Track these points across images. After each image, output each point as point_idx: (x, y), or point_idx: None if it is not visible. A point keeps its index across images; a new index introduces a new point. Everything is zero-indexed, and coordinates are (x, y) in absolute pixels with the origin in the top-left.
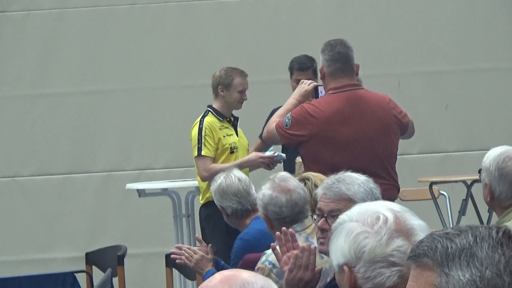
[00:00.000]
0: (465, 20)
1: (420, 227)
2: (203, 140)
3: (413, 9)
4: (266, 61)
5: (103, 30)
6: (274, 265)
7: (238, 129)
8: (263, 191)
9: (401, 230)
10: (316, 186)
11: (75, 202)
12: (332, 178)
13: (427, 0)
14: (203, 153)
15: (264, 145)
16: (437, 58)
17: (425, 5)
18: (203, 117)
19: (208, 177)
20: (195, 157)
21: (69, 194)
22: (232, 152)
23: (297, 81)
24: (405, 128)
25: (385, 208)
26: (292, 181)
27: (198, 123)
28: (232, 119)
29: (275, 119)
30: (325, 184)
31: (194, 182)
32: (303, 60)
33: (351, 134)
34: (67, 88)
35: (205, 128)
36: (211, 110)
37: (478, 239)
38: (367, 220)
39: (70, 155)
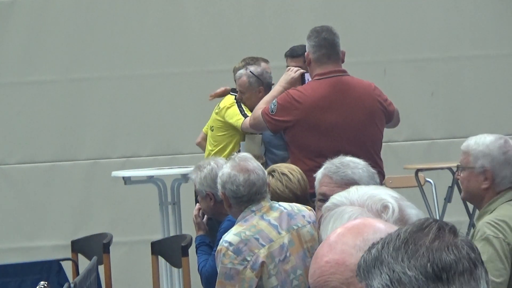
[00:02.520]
0: (451, 7)
1: (416, 216)
2: (241, 106)
3: None
4: (252, 49)
5: (89, 17)
6: (230, 243)
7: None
8: (223, 170)
9: (402, 220)
10: (283, 174)
11: (61, 190)
12: (334, 162)
13: None
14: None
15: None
16: (423, 46)
17: None
18: (232, 97)
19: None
20: (242, 122)
21: (55, 182)
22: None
23: None
24: (390, 116)
25: (389, 196)
26: (252, 162)
27: (233, 102)
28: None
29: (261, 105)
30: (327, 169)
31: (180, 170)
32: (296, 47)
33: (336, 120)
34: (53, 76)
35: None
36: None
37: (385, 243)
38: (372, 207)
39: (56, 143)
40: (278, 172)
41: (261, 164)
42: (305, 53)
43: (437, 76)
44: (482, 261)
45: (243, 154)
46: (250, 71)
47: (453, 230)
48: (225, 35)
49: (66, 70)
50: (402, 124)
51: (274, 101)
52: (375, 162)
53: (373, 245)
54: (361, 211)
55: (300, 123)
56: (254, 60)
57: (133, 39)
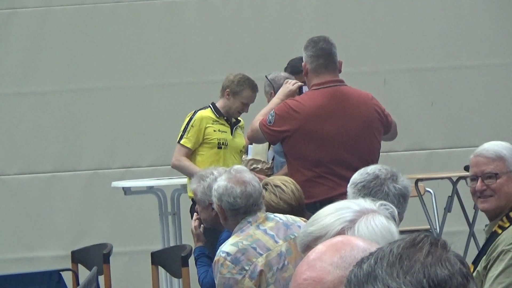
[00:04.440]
0: (450, 17)
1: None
2: (188, 129)
3: (398, 6)
4: (252, 59)
5: (88, 28)
6: (228, 253)
7: (237, 131)
8: (219, 182)
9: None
10: (276, 186)
11: (61, 200)
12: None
13: None
14: (182, 141)
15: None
16: (423, 55)
17: (410, 2)
18: (200, 109)
19: (177, 166)
20: (177, 143)
21: (55, 192)
22: (219, 148)
23: None
24: (388, 127)
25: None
26: (247, 174)
27: (192, 113)
28: (233, 119)
29: (258, 117)
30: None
31: (179, 180)
32: (296, 63)
33: (334, 129)
34: (53, 86)
35: (195, 119)
36: (211, 106)
37: (378, 259)
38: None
39: (55, 153)
40: (271, 185)
41: (267, 168)
42: (303, 64)
43: (437, 86)
44: (472, 276)
45: (239, 166)
46: (266, 76)
47: (445, 245)
48: (224, 45)
49: (65, 80)
50: (402, 134)
51: (272, 112)
52: None
53: (363, 260)
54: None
55: (298, 132)
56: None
57: (132, 49)
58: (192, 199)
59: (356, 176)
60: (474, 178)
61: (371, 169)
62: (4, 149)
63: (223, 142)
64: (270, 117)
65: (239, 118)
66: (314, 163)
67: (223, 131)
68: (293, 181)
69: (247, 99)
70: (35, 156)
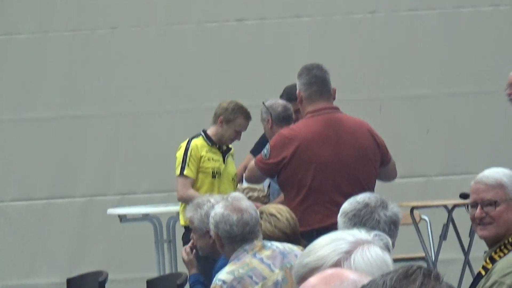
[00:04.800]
0: (446, 44)
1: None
2: (187, 160)
3: (394, 33)
4: (248, 86)
5: (85, 54)
6: (224, 282)
7: (229, 158)
8: (216, 210)
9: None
10: (271, 214)
11: (56, 227)
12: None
13: (408, 24)
14: (185, 172)
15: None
16: (418, 82)
17: (406, 29)
18: (193, 138)
19: (185, 199)
20: (177, 176)
21: (50, 219)
22: (213, 177)
23: None
24: (385, 158)
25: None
26: (244, 201)
27: (186, 143)
28: (224, 147)
29: (250, 166)
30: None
31: (175, 208)
32: (292, 90)
33: (329, 156)
34: (49, 113)
35: (192, 149)
36: (203, 134)
37: None
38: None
39: (51, 180)
40: (266, 213)
41: (264, 196)
42: (297, 91)
43: (433, 113)
44: None
45: (236, 194)
46: (263, 102)
47: (437, 277)
48: (220, 73)
49: (61, 107)
50: (398, 160)
51: (267, 145)
52: None
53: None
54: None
55: (293, 160)
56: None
57: (129, 76)
58: (185, 227)
59: (346, 206)
60: (473, 205)
61: (360, 197)
62: (0, 175)
63: (216, 171)
64: (265, 151)
65: (229, 145)
66: (310, 190)
67: (216, 160)
68: (288, 210)
69: (240, 127)
70: (31, 182)
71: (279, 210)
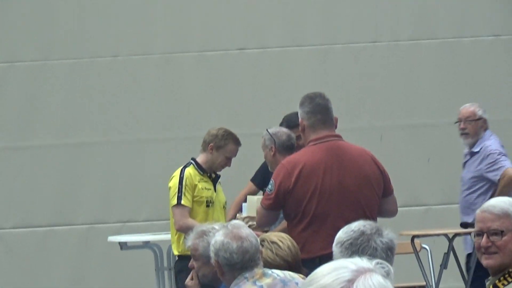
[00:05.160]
0: (446, 74)
1: None
2: (183, 189)
3: (394, 62)
4: (248, 113)
5: (85, 82)
6: None
7: (218, 186)
8: (216, 237)
9: None
10: (273, 242)
11: (57, 254)
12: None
13: (409, 53)
14: (182, 202)
15: (253, 192)
16: (419, 111)
17: (406, 58)
18: (185, 167)
19: (185, 229)
20: (173, 206)
21: (51, 246)
22: (207, 206)
23: None
24: (388, 187)
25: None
26: (244, 229)
27: (179, 172)
28: (213, 175)
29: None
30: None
31: None
32: (292, 117)
33: (333, 183)
34: (49, 140)
35: (186, 178)
36: (193, 162)
37: None
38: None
39: (52, 207)
40: (268, 241)
41: None
42: (299, 120)
43: (433, 142)
44: None
45: (236, 221)
46: (267, 129)
47: None
48: (221, 101)
49: (62, 134)
50: (398, 189)
51: (271, 180)
52: None
53: None
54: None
55: (297, 187)
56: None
57: (130, 104)
58: (178, 256)
59: (341, 235)
60: (479, 234)
61: (355, 226)
62: (0, 202)
63: (210, 200)
64: (269, 186)
65: (218, 173)
66: (313, 217)
67: (208, 189)
68: (290, 238)
69: (231, 153)
70: (31, 210)
71: (280, 238)
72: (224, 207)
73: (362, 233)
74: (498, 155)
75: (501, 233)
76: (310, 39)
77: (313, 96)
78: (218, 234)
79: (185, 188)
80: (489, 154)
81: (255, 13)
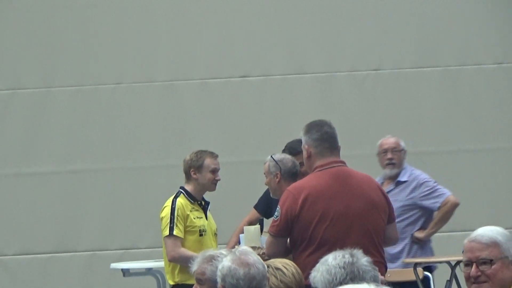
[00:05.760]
0: (449, 101)
1: None
2: (175, 220)
3: (397, 90)
4: (250, 141)
5: (88, 109)
6: None
7: (208, 213)
8: (223, 263)
9: None
10: (277, 268)
11: (59, 281)
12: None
13: (412, 81)
14: (174, 233)
15: (256, 219)
16: (421, 139)
17: (409, 86)
18: (176, 197)
19: (177, 259)
20: (165, 236)
21: (53, 273)
22: (201, 235)
23: None
24: (392, 214)
25: None
26: (252, 256)
27: (171, 203)
28: (202, 202)
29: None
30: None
31: None
32: (293, 144)
33: (341, 208)
34: (52, 167)
35: (178, 208)
36: (183, 191)
37: None
38: None
39: (54, 234)
40: (272, 267)
41: (263, 253)
42: (305, 147)
43: (435, 170)
44: None
45: (244, 248)
46: (271, 156)
47: None
48: (223, 128)
49: (64, 161)
50: None
51: (278, 207)
52: (379, 252)
53: None
54: None
55: (303, 212)
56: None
57: (132, 131)
58: (174, 286)
59: (328, 277)
60: (468, 264)
61: (333, 263)
62: (3, 229)
63: (203, 229)
64: (276, 213)
65: (207, 200)
66: (321, 243)
67: (200, 217)
68: (294, 264)
69: (213, 165)
70: (34, 236)
71: (285, 264)
72: (215, 233)
73: (345, 264)
74: (434, 183)
75: (490, 262)
76: (313, 66)
77: (321, 124)
78: (226, 260)
79: (177, 218)
80: (423, 183)
81: (258, 41)
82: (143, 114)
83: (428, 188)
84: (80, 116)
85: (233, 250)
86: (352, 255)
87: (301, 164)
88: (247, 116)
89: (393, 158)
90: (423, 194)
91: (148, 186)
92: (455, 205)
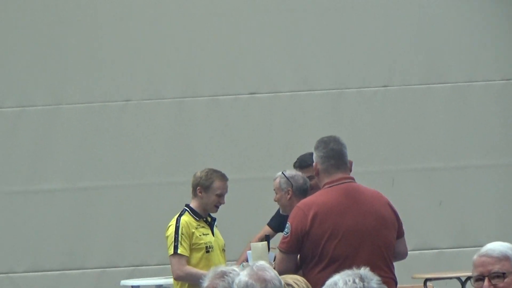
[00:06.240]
0: (458, 118)
1: None
2: (180, 238)
3: (406, 106)
4: (259, 157)
5: (97, 126)
6: None
7: (215, 229)
8: (240, 277)
9: None
10: (288, 284)
11: None
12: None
13: (420, 97)
14: (179, 251)
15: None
16: (430, 155)
17: (418, 102)
18: (180, 215)
19: (183, 278)
20: (170, 255)
21: None
22: (207, 252)
23: None
24: (401, 229)
25: None
26: (269, 272)
27: (175, 221)
28: (209, 219)
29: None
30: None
31: None
32: (305, 157)
33: (351, 225)
34: (61, 184)
35: (182, 226)
36: (187, 209)
37: None
38: None
39: (64, 251)
40: (283, 284)
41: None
42: (314, 164)
43: (445, 186)
44: None
45: (261, 263)
46: (282, 172)
47: None
48: (233, 145)
49: (74, 178)
50: (410, 233)
51: (287, 223)
52: (389, 268)
53: None
54: None
55: (313, 229)
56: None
57: (142, 148)
58: None
59: None
60: (480, 278)
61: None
62: (12, 246)
63: (209, 246)
64: (286, 230)
65: (214, 216)
66: (331, 259)
67: (206, 234)
68: (305, 281)
69: (220, 190)
70: (43, 254)
71: (295, 280)
72: (223, 249)
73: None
74: None
75: (502, 275)
76: (322, 83)
77: (327, 141)
78: (243, 274)
79: (181, 237)
80: None
81: (266, 58)
82: (153, 131)
83: None
84: (89, 133)
85: (250, 265)
86: (362, 279)
87: (311, 177)
88: (256, 133)
89: None
90: None
91: (157, 202)
92: None
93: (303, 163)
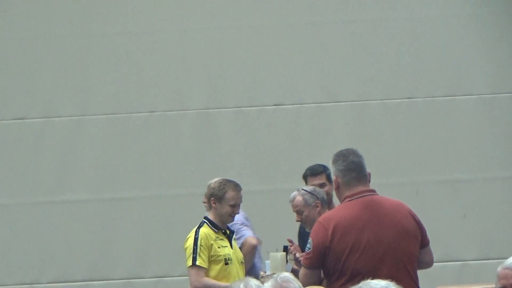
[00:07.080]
0: (483, 129)
1: None
2: (198, 250)
3: (430, 118)
4: (285, 169)
5: (122, 137)
6: None
7: (233, 242)
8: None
9: None
10: None
11: None
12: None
13: (445, 109)
14: (197, 263)
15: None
16: (455, 167)
17: (442, 114)
18: (199, 227)
19: None
20: (189, 266)
21: None
22: (226, 264)
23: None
24: (425, 239)
25: None
26: (293, 283)
27: (194, 233)
28: (228, 231)
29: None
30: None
31: None
32: (315, 166)
33: (372, 239)
34: (86, 195)
35: (201, 238)
36: (206, 221)
37: None
38: None
39: (88, 262)
40: None
41: None
42: (333, 178)
43: (470, 198)
44: None
45: (285, 274)
46: (303, 189)
47: None
48: (258, 156)
49: (99, 189)
50: (435, 245)
51: (309, 239)
52: (412, 280)
53: None
54: None
55: (334, 243)
56: None
57: (166, 159)
58: None
59: None
60: None
61: None
62: (37, 257)
63: (228, 258)
64: (308, 245)
65: (232, 229)
66: (353, 274)
67: (225, 246)
68: None
69: (233, 200)
70: (68, 264)
71: None
72: (242, 262)
73: None
74: (240, 225)
75: None
76: (346, 95)
77: (347, 154)
78: (267, 286)
79: (199, 248)
80: (233, 225)
81: (291, 69)
82: (177, 142)
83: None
84: (114, 144)
85: (275, 275)
86: None
87: (322, 185)
88: (281, 144)
89: None
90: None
91: (182, 214)
92: (252, 247)
93: (314, 171)
